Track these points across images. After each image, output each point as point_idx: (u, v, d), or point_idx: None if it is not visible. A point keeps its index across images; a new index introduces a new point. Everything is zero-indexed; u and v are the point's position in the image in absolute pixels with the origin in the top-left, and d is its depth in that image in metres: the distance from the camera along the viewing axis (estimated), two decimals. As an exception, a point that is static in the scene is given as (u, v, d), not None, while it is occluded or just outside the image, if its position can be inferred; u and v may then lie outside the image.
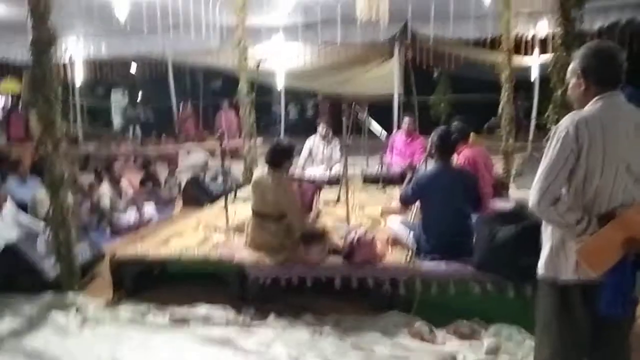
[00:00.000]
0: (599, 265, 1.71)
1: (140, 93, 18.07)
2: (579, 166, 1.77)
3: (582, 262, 1.74)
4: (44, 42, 3.53)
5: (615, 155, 1.76)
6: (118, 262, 3.87)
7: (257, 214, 3.59)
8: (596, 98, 1.83)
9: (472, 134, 5.53)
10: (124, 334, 3.25)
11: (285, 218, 3.53)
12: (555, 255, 1.86)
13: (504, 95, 6.31)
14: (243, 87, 6.87)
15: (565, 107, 2.91)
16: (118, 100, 19.32)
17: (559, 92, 2.99)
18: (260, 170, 3.71)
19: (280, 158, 3.61)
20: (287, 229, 3.57)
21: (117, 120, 18.40)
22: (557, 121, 3.16)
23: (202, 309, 3.46)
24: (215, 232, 4.27)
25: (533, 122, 10.79)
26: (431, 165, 3.74)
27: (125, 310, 3.56)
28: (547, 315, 1.91)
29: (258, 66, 5.38)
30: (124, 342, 3.15)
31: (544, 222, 1.93)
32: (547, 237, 1.91)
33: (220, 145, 4.63)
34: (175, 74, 13.46)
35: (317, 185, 4.41)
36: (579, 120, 1.77)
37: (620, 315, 1.74)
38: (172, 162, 8.50)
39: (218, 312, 3.42)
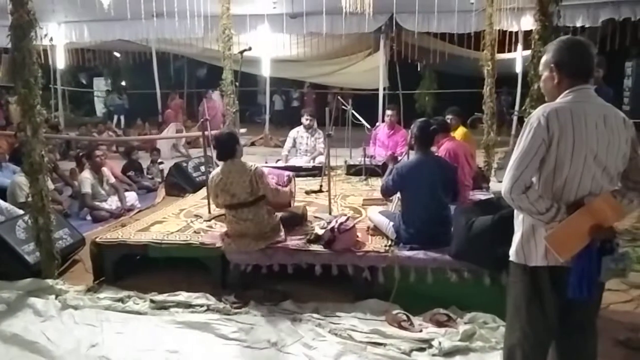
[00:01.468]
0: (567, 251, 1.77)
1: (123, 81, 17.88)
2: (550, 156, 1.82)
3: (551, 248, 1.80)
4: (23, 26, 3.48)
5: (584, 145, 1.81)
6: (98, 248, 3.86)
7: (230, 206, 3.60)
8: (567, 91, 1.89)
9: (462, 128, 5.63)
10: (103, 320, 3.26)
11: (259, 202, 3.55)
12: (525, 241, 1.92)
13: (486, 90, 6.39)
14: (227, 76, 6.83)
15: (542, 101, 2.95)
16: (101, 87, 19.12)
17: (536, 85, 3.05)
18: (216, 170, 3.67)
19: (231, 147, 3.59)
20: (265, 212, 3.58)
21: (100, 108, 18.21)
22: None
23: (182, 296, 3.48)
24: (197, 220, 4.27)
25: (515, 116, 10.94)
26: (412, 156, 3.79)
27: (106, 296, 3.55)
28: (517, 300, 1.97)
29: (242, 53, 5.33)
30: (104, 327, 3.16)
31: (515, 210, 1.99)
32: (519, 224, 1.96)
33: (203, 134, 4.61)
34: (159, 62, 13.34)
35: (291, 173, 4.42)
36: (550, 112, 1.82)
37: (586, 299, 1.80)
38: (154, 150, 8.44)
39: (198, 298, 3.44)
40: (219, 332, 3.07)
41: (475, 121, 8.17)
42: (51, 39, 8.50)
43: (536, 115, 1.84)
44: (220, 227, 3.97)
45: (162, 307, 3.41)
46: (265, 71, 11.74)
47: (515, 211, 1.99)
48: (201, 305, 3.38)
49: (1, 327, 3.14)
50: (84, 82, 19.57)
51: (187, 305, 3.40)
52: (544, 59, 1.99)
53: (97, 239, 3.91)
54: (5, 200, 5.09)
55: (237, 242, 3.59)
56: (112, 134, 11.80)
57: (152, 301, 3.45)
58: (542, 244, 1.86)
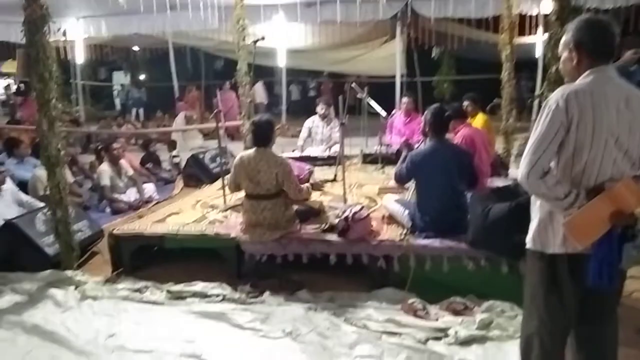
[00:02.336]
0: (586, 237, 1.71)
1: (142, 74, 18.06)
2: (569, 139, 1.76)
3: (570, 235, 1.74)
4: (36, 21, 3.50)
5: (605, 128, 1.74)
6: (116, 239, 3.91)
7: (250, 196, 3.59)
8: (588, 72, 1.82)
9: (481, 115, 5.53)
10: (121, 310, 3.30)
11: (280, 195, 3.53)
12: (543, 228, 1.86)
13: (505, 75, 6.24)
14: (242, 66, 6.80)
15: (560, 84, 2.86)
16: (120, 81, 19.35)
17: (554, 68, 2.95)
18: (247, 152, 3.64)
19: (267, 135, 3.57)
20: (282, 205, 3.57)
21: (119, 102, 18.43)
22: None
23: (199, 286, 3.50)
24: (213, 211, 4.29)
25: (536, 102, 10.70)
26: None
27: (123, 286, 3.60)
28: (534, 288, 1.92)
29: (256, 42, 5.29)
30: (122, 317, 3.20)
31: (532, 196, 1.93)
32: (536, 210, 1.91)
33: (217, 125, 4.61)
34: (177, 56, 13.43)
35: (311, 167, 4.37)
36: (569, 93, 1.75)
37: (606, 288, 1.75)
38: (172, 142, 8.51)
39: (214, 288, 3.46)
40: (235, 321, 3.08)
41: (495, 107, 8.02)
42: (64, 33, 8.54)
43: (554, 97, 1.78)
44: (236, 218, 3.98)
45: (179, 297, 3.44)
46: (281, 62, 11.70)
47: (532, 197, 1.93)
48: (217, 295, 3.40)
49: (22, 317, 3.20)
50: (103, 76, 19.84)
51: (203, 295, 3.42)
52: (563, 39, 1.92)
53: (114, 231, 3.95)
54: (27, 194, 5.18)
55: (252, 232, 3.58)
56: (131, 127, 11.93)
57: (168, 291, 3.48)
58: (560, 231, 1.80)
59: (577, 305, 1.86)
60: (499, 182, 5.00)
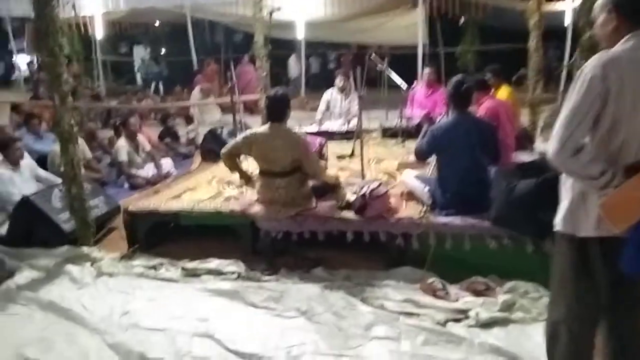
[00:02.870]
0: (623, 220, 1.57)
1: (161, 49, 17.97)
2: (606, 112, 1.60)
3: (605, 217, 1.60)
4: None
5: None
6: (131, 215, 3.88)
7: (264, 173, 3.49)
8: (627, 36, 1.64)
9: (505, 87, 5.29)
10: (136, 287, 3.28)
11: (296, 172, 3.42)
12: (574, 209, 1.72)
13: (532, 44, 5.96)
14: (259, 39, 6.64)
15: (593, 52, 2.66)
16: (140, 56, 19.30)
17: (587, 35, 2.73)
18: (262, 128, 3.51)
19: (282, 110, 3.43)
20: (298, 182, 3.47)
21: (139, 76, 18.43)
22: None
23: (213, 263, 3.45)
24: (229, 187, 4.22)
25: (564, 72, 10.28)
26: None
27: (139, 263, 3.58)
28: (564, 272, 1.79)
29: (272, 14, 5.12)
30: (136, 294, 3.18)
31: (563, 175, 1.79)
32: (567, 190, 1.76)
33: (231, 99, 4.50)
34: (195, 29, 13.28)
35: (323, 139, 4.24)
36: (607, 61, 1.58)
37: (643, 275, 1.61)
38: (189, 116, 8.45)
39: (229, 266, 3.41)
40: (249, 300, 3.03)
41: (520, 78, 7.72)
42: (73, 6, 8.40)
43: (590, 65, 1.61)
44: (251, 194, 3.89)
45: (194, 274, 3.41)
46: (300, 34, 11.47)
47: (563, 176, 1.79)
48: (232, 273, 3.35)
49: (39, 294, 3.21)
50: (124, 51, 19.81)
51: (218, 273, 3.38)
52: (599, 1, 1.73)
53: (130, 208, 3.92)
54: (46, 169, 5.19)
55: (267, 209, 3.50)
56: (151, 101, 11.90)
57: (183, 269, 3.45)
58: (593, 212, 1.66)
59: (609, 291, 1.73)
60: (524, 157, 4.82)
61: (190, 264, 3.49)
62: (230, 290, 3.12)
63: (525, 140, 5.40)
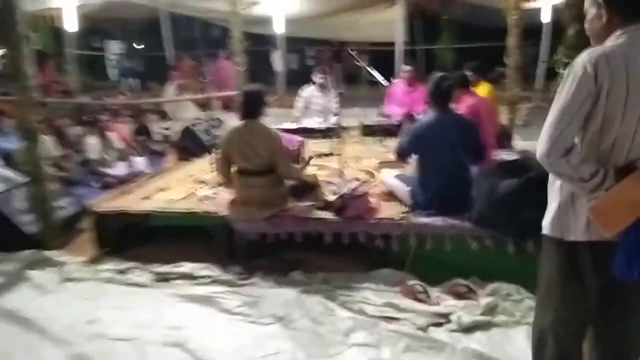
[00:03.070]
0: (615, 224, 1.49)
1: (137, 43, 17.55)
2: (597, 111, 1.51)
3: (596, 221, 1.51)
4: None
5: None
6: (100, 217, 3.70)
7: (241, 172, 3.35)
8: (619, 32, 1.55)
9: (484, 84, 5.23)
10: (103, 294, 3.11)
11: (272, 172, 3.29)
12: (563, 212, 1.63)
13: (511, 41, 5.92)
14: (236, 34, 6.49)
15: (578, 49, 2.59)
16: (114, 50, 18.83)
17: (571, 31, 2.66)
18: (236, 126, 3.37)
19: (256, 106, 3.31)
20: (274, 182, 3.34)
21: (112, 72, 17.99)
22: (568, 65, 2.89)
23: (186, 267, 3.31)
24: (203, 187, 4.06)
25: (541, 70, 10.36)
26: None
27: (107, 268, 3.41)
28: (551, 277, 1.71)
29: (247, 8, 4.98)
30: (103, 301, 3.02)
31: (550, 176, 1.70)
32: (555, 192, 1.67)
33: (207, 96, 4.34)
34: (172, 23, 13.01)
35: (302, 139, 4.10)
36: (599, 57, 1.50)
37: (635, 281, 1.53)
38: (163, 113, 8.22)
39: (202, 270, 3.27)
40: (223, 306, 2.89)
41: (497, 76, 7.71)
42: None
43: (581, 61, 1.52)
44: (226, 194, 3.75)
45: (165, 279, 3.26)
46: (278, 29, 11.30)
47: (551, 177, 1.70)
48: (205, 277, 3.21)
49: (-2, 301, 3.02)
50: (97, 46, 19.30)
51: (191, 277, 3.23)
52: None
53: (98, 209, 3.73)
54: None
55: (243, 210, 3.37)
56: (125, 97, 11.58)
57: (154, 273, 3.30)
58: (582, 216, 1.58)
59: (599, 296, 1.65)
60: (503, 155, 4.78)
61: (162, 268, 3.33)
62: (203, 296, 2.98)
63: (504, 138, 5.36)
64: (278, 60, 14.09)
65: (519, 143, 6.03)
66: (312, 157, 4.14)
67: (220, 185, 3.75)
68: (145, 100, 9.90)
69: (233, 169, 3.51)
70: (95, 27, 14.39)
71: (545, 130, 1.55)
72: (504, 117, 6.23)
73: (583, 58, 1.53)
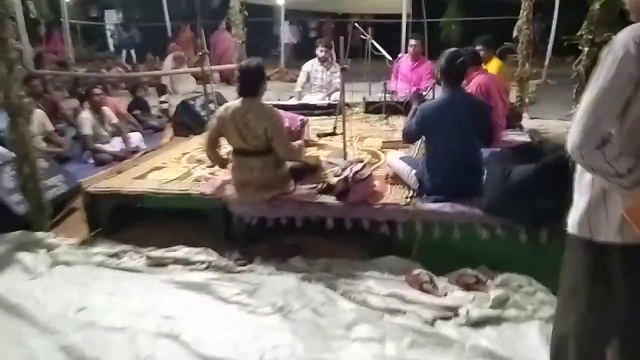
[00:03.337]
0: (654, 228, 1.33)
1: (135, 13, 17.11)
2: (638, 97, 1.34)
3: (633, 223, 1.35)
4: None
5: None
6: (92, 197, 3.54)
7: (238, 152, 3.17)
8: None
9: (495, 60, 5.01)
10: (95, 278, 2.98)
11: (271, 152, 3.12)
12: (593, 210, 1.47)
13: (523, 15, 5.66)
14: (235, 4, 6.21)
15: (604, 25, 2.39)
16: (112, 20, 18.38)
17: (597, 5, 2.45)
18: (232, 103, 3.18)
19: (255, 84, 3.11)
20: (274, 163, 3.17)
21: (112, 42, 17.60)
22: (593, 42, 2.70)
23: (182, 251, 3.17)
24: (199, 166, 3.89)
25: (550, 46, 10.05)
26: (438, 93, 3.28)
27: (100, 250, 3.27)
28: (576, 280, 1.56)
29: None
30: (95, 286, 2.89)
31: (579, 169, 1.53)
32: (585, 188, 1.50)
33: (202, 68, 4.14)
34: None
35: (304, 118, 3.90)
36: None
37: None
38: (161, 86, 7.99)
39: (199, 254, 3.13)
40: (219, 294, 2.75)
41: (505, 51, 7.45)
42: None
43: (622, 40, 1.33)
44: (224, 175, 3.59)
45: (159, 263, 3.12)
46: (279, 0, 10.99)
47: (579, 170, 1.53)
48: (201, 262, 3.07)
49: (-16, 286, 2.89)
50: (95, 15, 18.85)
51: (186, 262, 3.09)
52: None
53: (90, 189, 3.58)
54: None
55: (241, 192, 3.21)
56: (122, 69, 11.31)
57: (148, 257, 3.16)
58: (616, 215, 1.42)
59: (628, 304, 1.50)
60: (513, 135, 4.61)
61: (156, 252, 3.19)
62: (199, 283, 2.85)
63: (513, 117, 5.16)
64: (285, 32, 13.79)
65: (528, 122, 5.84)
66: (317, 139, 3.94)
67: (215, 165, 3.57)
68: (143, 73, 9.63)
69: (226, 149, 3.34)
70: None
71: (579, 119, 1.37)
72: (512, 95, 6.02)
73: (625, 36, 1.34)
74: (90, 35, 16.70)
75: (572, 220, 1.54)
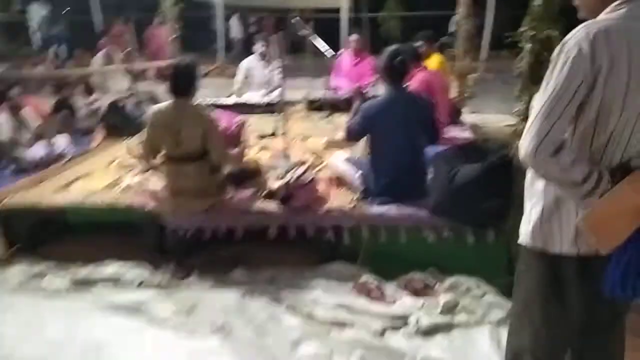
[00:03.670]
0: (611, 237, 1.25)
1: (62, 6, 16.09)
2: (593, 98, 1.25)
3: (589, 234, 1.27)
4: None
5: None
6: (6, 212, 3.19)
7: (170, 157, 2.92)
8: (617, 1, 1.28)
9: (436, 55, 4.97)
10: (10, 305, 2.67)
11: (206, 157, 2.90)
12: (546, 220, 1.38)
13: (462, 10, 5.69)
14: (167, -2, 5.91)
15: (546, 21, 2.35)
16: (37, 14, 17.21)
17: (540, 1, 2.40)
18: (163, 105, 2.93)
19: (186, 83, 2.88)
20: (209, 169, 2.95)
21: (36, 38, 16.49)
22: (534, 40, 2.67)
23: (111, 268, 2.90)
24: (128, 173, 3.59)
25: (487, 40, 10.28)
26: (381, 91, 3.17)
27: (17, 271, 2.94)
28: (530, 294, 1.47)
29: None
30: (9, 315, 2.58)
31: (529, 176, 1.44)
32: (537, 195, 1.41)
33: (131, 66, 3.83)
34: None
35: (241, 119, 3.68)
36: (597, 33, 1.22)
37: (629, 299, 1.32)
38: (89, 86, 7.48)
39: (129, 270, 2.88)
40: (153, 315, 2.53)
41: (443, 46, 7.52)
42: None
43: (575, 39, 1.24)
44: (155, 182, 3.32)
45: (86, 283, 2.84)
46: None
47: (530, 177, 1.44)
48: (132, 280, 2.82)
49: None
50: (18, 9, 17.59)
51: (116, 280, 2.83)
52: None
53: (4, 202, 3.21)
54: None
55: (174, 202, 2.97)
56: (50, 67, 10.55)
57: (72, 276, 2.87)
58: (570, 224, 1.33)
59: (584, 313, 1.43)
60: (455, 131, 4.59)
61: (82, 270, 2.91)
62: (130, 304, 2.61)
63: (454, 113, 5.17)
64: (234, 27, 13.44)
65: (468, 116, 5.88)
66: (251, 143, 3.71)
67: (147, 171, 3.29)
68: (69, 72, 9.01)
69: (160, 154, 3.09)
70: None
71: (532, 124, 1.27)
72: (452, 90, 6.05)
73: (578, 35, 1.25)
74: (13, 31, 15.58)
75: (525, 231, 1.45)
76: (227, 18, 13.55)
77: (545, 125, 1.24)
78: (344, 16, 9.84)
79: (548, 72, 1.27)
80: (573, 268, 1.37)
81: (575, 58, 1.22)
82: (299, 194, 2.90)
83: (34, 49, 15.33)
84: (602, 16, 1.29)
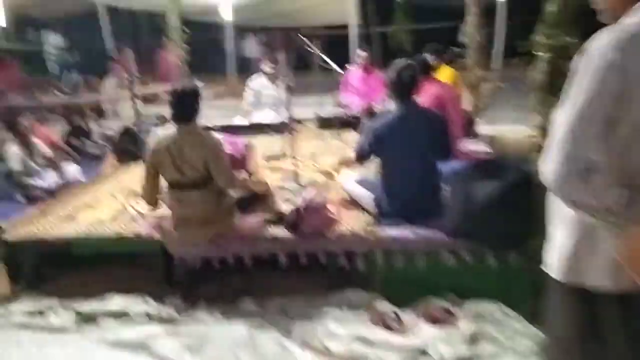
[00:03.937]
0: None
1: (75, 35, 16.39)
2: (625, 114, 1.11)
3: (628, 268, 1.12)
4: None
5: None
6: (11, 247, 3.11)
7: (174, 185, 2.82)
8: None
9: (447, 67, 4.86)
10: (13, 343, 2.57)
11: (211, 183, 2.79)
12: (579, 251, 1.23)
13: (472, 19, 5.57)
14: (173, 21, 5.89)
15: (561, 27, 2.21)
16: (52, 43, 17.55)
17: (553, 6, 2.27)
18: (166, 133, 2.85)
19: (189, 108, 2.79)
20: (215, 195, 2.84)
21: (51, 66, 16.79)
22: (550, 48, 2.52)
23: (116, 302, 2.79)
24: (136, 202, 3.50)
25: (500, 49, 10.11)
26: (392, 107, 3.05)
27: (21, 308, 2.85)
28: (565, 333, 1.31)
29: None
30: (15, 349, 2.50)
31: (556, 202, 1.29)
32: (565, 222, 1.26)
33: (131, 92, 3.79)
34: (111, 13, 12.18)
35: (246, 142, 3.59)
36: (626, 40, 1.08)
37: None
38: (100, 111, 7.51)
39: (136, 305, 2.76)
40: (159, 352, 2.42)
41: (453, 57, 7.41)
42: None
43: (601, 47, 1.10)
44: (162, 212, 3.22)
45: (91, 318, 2.73)
46: (226, 15, 10.70)
47: (557, 203, 1.29)
48: (139, 314, 2.71)
49: None
50: (31, 38, 17.98)
51: (122, 315, 2.72)
52: None
53: (7, 237, 3.14)
54: None
55: (180, 231, 2.86)
56: (62, 95, 10.65)
57: (77, 312, 2.77)
58: (608, 257, 1.18)
59: (626, 353, 1.27)
60: (470, 145, 4.44)
61: (87, 305, 2.81)
62: (136, 341, 2.49)
63: (468, 125, 5.02)
64: (251, 46, 13.52)
65: (483, 128, 5.73)
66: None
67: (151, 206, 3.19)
68: (82, 98, 9.06)
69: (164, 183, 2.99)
70: (29, 18, 13.32)
71: (557, 146, 1.13)
72: (465, 102, 5.91)
73: (602, 42, 1.11)
74: (28, 60, 15.89)
75: (552, 260, 1.30)
76: (243, 37, 13.63)
77: (571, 147, 1.10)
78: (353, 32, 9.77)
79: (569, 85, 1.14)
80: (613, 305, 1.22)
81: (602, 68, 1.08)
82: (309, 219, 2.77)
83: (50, 75, 15.60)
84: (628, 20, 1.15)
